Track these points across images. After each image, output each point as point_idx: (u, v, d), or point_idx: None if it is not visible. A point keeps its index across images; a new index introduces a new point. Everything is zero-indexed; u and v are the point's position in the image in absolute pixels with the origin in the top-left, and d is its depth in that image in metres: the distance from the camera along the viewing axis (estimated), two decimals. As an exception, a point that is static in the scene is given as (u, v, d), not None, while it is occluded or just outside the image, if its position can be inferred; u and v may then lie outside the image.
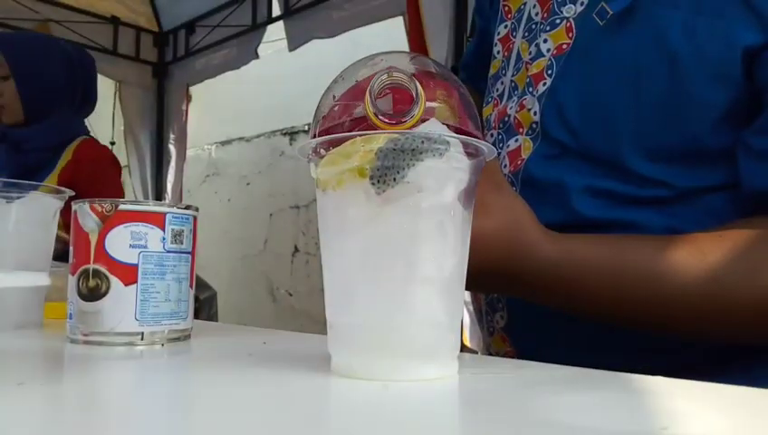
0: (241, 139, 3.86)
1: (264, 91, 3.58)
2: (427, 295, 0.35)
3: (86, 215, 0.48)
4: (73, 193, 0.63)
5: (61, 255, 0.63)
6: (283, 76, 3.46)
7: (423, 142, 0.34)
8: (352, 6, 2.59)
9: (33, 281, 0.59)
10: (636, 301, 0.49)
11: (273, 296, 3.61)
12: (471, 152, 0.36)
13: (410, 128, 0.35)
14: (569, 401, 0.31)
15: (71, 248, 0.50)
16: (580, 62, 0.57)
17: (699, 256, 0.48)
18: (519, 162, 0.60)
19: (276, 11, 2.90)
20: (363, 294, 0.35)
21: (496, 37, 0.71)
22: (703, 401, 0.33)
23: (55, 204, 0.62)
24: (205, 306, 2.27)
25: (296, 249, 3.48)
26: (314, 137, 0.40)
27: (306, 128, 3.44)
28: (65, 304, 0.50)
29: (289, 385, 0.35)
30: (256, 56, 3.02)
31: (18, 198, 0.58)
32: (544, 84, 0.59)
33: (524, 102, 0.61)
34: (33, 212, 0.60)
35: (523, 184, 0.59)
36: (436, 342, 0.35)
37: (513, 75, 0.65)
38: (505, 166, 0.62)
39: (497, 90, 0.69)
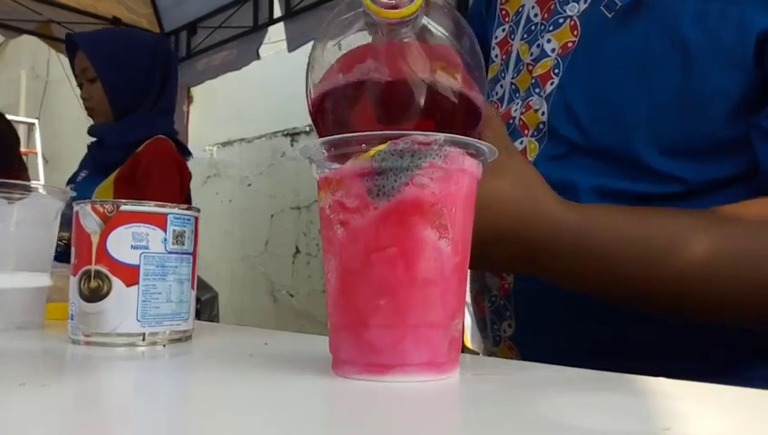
0: (242, 140, 3.86)
1: (265, 91, 3.58)
2: (429, 296, 0.35)
3: (87, 215, 0.48)
4: (74, 193, 0.63)
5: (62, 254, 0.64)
6: (285, 77, 3.44)
7: (423, 145, 0.34)
8: (353, 7, 2.58)
9: (34, 282, 0.59)
10: (661, 274, 0.46)
11: (274, 297, 3.61)
12: (472, 153, 0.36)
13: (412, 12, 0.35)
14: (570, 402, 0.31)
15: (72, 249, 0.50)
16: (588, 57, 0.56)
17: (730, 230, 0.46)
18: None
19: (278, 12, 2.90)
20: (364, 295, 0.35)
21: (494, 41, 0.71)
22: (705, 402, 0.33)
23: (57, 204, 0.62)
24: (206, 308, 2.27)
25: (297, 250, 3.48)
26: (309, 97, 0.39)
27: (307, 129, 3.44)
28: (66, 304, 0.50)
29: (290, 386, 0.35)
30: (258, 57, 3.01)
31: (20, 198, 0.58)
32: (552, 84, 0.59)
33: (531, 103, 0.60)
34: (35, 213, 0.60)
35: None
36: (438, 343, 0.35)
37: (513, 78, 0.65)
38: None
39: (496, 93, 0.68)
